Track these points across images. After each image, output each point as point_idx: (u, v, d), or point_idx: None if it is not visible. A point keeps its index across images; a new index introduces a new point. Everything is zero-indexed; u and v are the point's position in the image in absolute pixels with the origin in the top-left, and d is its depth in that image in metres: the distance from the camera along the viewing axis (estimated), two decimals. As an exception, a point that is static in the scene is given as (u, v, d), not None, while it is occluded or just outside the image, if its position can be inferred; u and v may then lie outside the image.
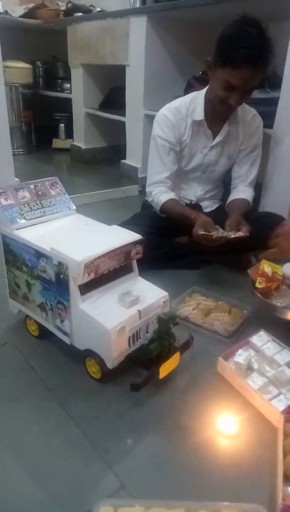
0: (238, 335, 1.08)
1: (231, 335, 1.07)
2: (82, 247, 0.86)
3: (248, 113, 1.39)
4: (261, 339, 1.00)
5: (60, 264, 0.85)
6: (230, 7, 1.63)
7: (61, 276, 0.87)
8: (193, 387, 0.92)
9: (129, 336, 0.87)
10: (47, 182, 1.08)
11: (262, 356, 0.97)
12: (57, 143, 3.33)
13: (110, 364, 0.86)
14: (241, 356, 0.96)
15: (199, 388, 0.91)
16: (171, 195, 1.41)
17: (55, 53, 3.36)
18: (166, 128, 1.36)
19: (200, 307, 1.17)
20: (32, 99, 3.18)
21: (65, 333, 0.93)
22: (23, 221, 0.98)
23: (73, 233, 0.99)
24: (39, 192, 1.05)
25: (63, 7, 3.04)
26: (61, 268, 0.86)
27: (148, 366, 0.88)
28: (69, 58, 2.76)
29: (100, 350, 0.87)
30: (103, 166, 2.89)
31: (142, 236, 0.93)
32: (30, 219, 1.00)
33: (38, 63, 3.40)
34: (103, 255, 0.85)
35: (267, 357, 0.96)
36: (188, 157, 1.43)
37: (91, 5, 2.93)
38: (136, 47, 2.14)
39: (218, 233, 1.21)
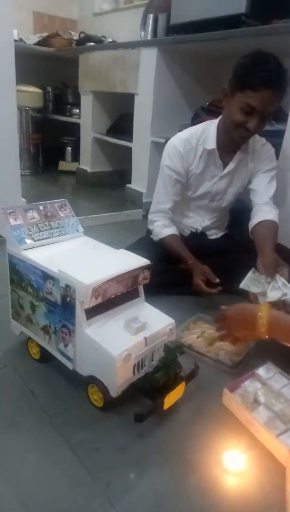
0: (244, 366, 1.05)
1: (236, 366, 1.04)
2: (91, 270, 0.85)
3: (258, 142, 1.42)
4: (268, 371, 0.98)
5: (67, 286, 0.84)
6: (238, 43, 1.70)
7: (68, 299, 0.85)
8: (198, 419, 0.89)
9: (135, 364, 0.85)
10: (56, 204, 1.09)
11: (269, 389, 0.94)
12: (63, 165, 3.38)
13: (114, 392, 0.84)
14: (247, 388, 0.93)
15: (204, 420, 0.88)
16: (172, 230, 1.43)
17: (65, 79, 3.46)
18: (175, 158, 1.38)
19: (204, 335, 1.15)
20: (41, 122, 3.24)
21: (68, 358, 0.90)
22: (31, 241, 0.98)
23: (81, 255, 0.98)
24: (48, 214, 1.05)
25: (76, 37, 3.15)
26: (68, 291, 0.84)
27: (153, 396, 0.85)
28: (79, 85, 2.83)
29: (104, 377, 0.85)
30: (108, 189, 2.91)
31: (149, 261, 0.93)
32: (38, 240, 0.99)
33: (49, 88, 3.49)
34: (112, 279, 0.84)
35: (274, 390, 0.93)
36: (195, 185, 1.44)
37: (103, 36, 3.05)
38: (145, 77, 2.20)
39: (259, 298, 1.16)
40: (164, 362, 0.85)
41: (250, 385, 0.94)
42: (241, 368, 1.05)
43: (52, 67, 3.46)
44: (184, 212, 1.51)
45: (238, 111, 1.23)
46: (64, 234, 1.05)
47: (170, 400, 0.85)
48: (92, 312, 0.87)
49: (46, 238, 1.01)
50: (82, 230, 1.10)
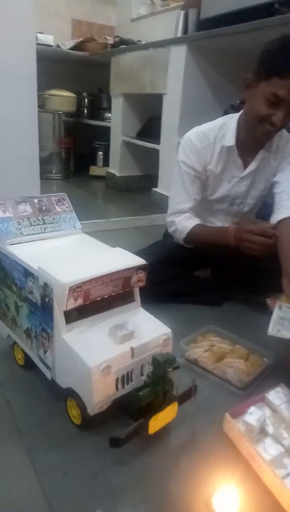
0: (254, 388, 0.91)
1: (245, 387, 0.90)
2: (73, 268, 0.76)
3: (284, 139, 1.26)
4: (280, 395, 0.83)
5: (45, 285, 0.75)
6: (271, 34, 1.56)
7: (46, 299, 0.76)
8: (190, 448, 0.75)
9: (117, 378, 0.74)
10: (53, 198, 1.01)
11: (280, 418, 0.79)
12: (94, 170, 3.36)
13: (91, 410, 0.73)
14: (254, 415, 0.79)
15: (198, 449, 0.75)
16: (198, 220, 1.28)
17: (101, 85, 3.46)
18: (191, 155, 1.24)
19: (213, 350, 1.01)
20: (73, 126, 3.25)
21: (47, 366, 0.81)
22: (20, 236, 0.90)
23: (71, 253, 0.89)
24: (43, 208, 0.97)
25: (110, 41, 3.14)
26: (46, 290, 0.75)
27: (137, 417, 0.73)
28: (110, 88, 2.80)
29: (81, 391, 0.74)
30: (135, 194, 2.84)
31: (149, 263, 0.82)
32: (28, 234, 0.91)
33: (84, 94, 3.51)
34: (95, 279, 0.74)
35: (285, 419, 0.78)
36: (213, 186, 1.29)
37: (139, 40, 3.01)
38: (174, 75, 2.11)
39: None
40: (152, 378, 0.73)
41: (257, 411, 0.79)
42: (251, 390, 0.90)
43: (88, 73, 3.47)
44: (203, 216, 1.38)
45: (263, 103, 1.08)
46: (59, 230, 0.97)
47: (157, 422, 0.73)
48: (73, 316, 0.77)
49: (38, 233, 0.93)
50: (80, 226, 1.01)
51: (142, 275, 0.83)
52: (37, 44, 2.86)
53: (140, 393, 0.71)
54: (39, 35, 2.92)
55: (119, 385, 0.75)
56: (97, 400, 0.72)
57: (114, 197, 2.83)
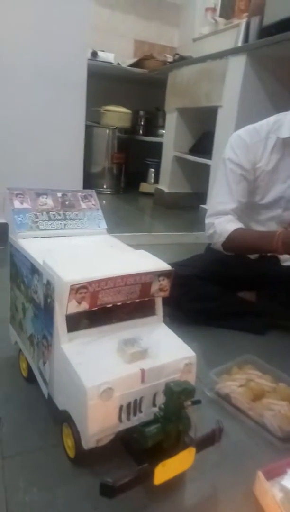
0: (300, 441, 0.71)
1: (287, 438, 0.71)
2: (82, 266, 0.64)
3: None
4: None
5: (48, 283, 0.64)
6: None
7: (48, 300, 0.64)
8: (208, 510, 0.58)
9: (121, 406, 0.59)
10: (80, 193, 0.91)
11: None
12: (144, 187, 3.30)
13: (85, 442, 0.59)
14: (297, 479, 0.60)
15: (218, 515, 0.58)
16: (240, 224, 1.12)
17: (158, 104, 3.45)
18: (239, 150, 1.11)
19: (250, 385, 0.83)
20: (126, 143, 3.24)
21: (44, 380, 0.68)
22: (35, 230, 0.80)
23: (88, 252, 0.77)
24: (66, 202, 0.88)
25: (170, 59, 3.12)
26: (48, 289, 0.64)
27: (141, 460, 0.58)
28: (166, 103, 2.75)
29: (76, 416, 0.60)
30: (183, 211, 2.71)
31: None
32: (44, 229, 0.82)
33: (141, 112, 3.51)
34: (105, 281, 0.61)
35: None
36: (264, 187, 1.14)
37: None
38: (231, 87, 2.00)
39: None
40: (164, 412, 0.58)
41: (301, 475, 0.60)
42: (295, 443, 0.71)
43: (146, 92, 3.48)
44: (249, 226, 1.21)
45: None
46: (81, 227, 0.86)
47: (166, 471, 0.57)
48: (78, 323, 0.65)
49: (56, 229, 0.83)
50: (105, 226, 0.90)
51: (165, 283, 0.69)
52: (98, 60, 2.93)
53: (146, 429, 0.56)
54: (100, 53, 2.98)
55: (124, 415, 0.60)
56: (92, 430, 0.57)
57: (161, 214, 2.73)
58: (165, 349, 0.66)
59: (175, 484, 0.59)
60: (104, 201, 2.95)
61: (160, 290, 0.69)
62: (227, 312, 1.13)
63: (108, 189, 3.23)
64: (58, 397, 0.66)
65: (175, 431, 0.57)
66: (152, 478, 0.56)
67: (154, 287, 0.68)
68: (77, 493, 0.58)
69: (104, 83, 3.24)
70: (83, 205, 0.90)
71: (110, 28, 3.39)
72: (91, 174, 3.05)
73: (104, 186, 3.21)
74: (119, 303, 0.65)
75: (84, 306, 0.61)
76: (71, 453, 0.63)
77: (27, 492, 0.58)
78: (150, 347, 0.63)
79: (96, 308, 0.63)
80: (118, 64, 3.19)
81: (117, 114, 3.08)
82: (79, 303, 0.60)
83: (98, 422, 0.57)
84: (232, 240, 1.11)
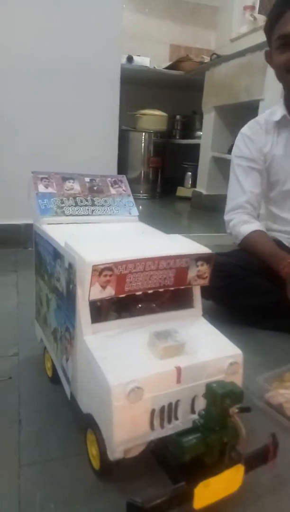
0: None
1: None
2: (108, 248, 0.56)
3: None
4: None
5: (70, 267, 0.56)
6: None
7: (70, 286, 0.57)
8: None
9: (153, 410, 0.50)
10: (109, 178, 0.84)
11: None
12: (181, 191, 3.21)
13: (111, 452, 0.49)
14: None
15: None
16: (254, 226, 1.08)
17: (195, 108, 3.38)
18: (242, 144, 1.13)
19: (307, 394, 0.71)
20: (163, 146, 3.18)
21: (67, 378, 0.60)
22: (61, 215, 0.74)
23: (116, 237, 0.69)
24: (94, 187, 0.81)
25: (207, 60, 3.04)
26: (70, 273, 0.56)
27: (177, 477, 0.48)
28: (203, 103, 2.67)
29: (101, 421, 0.52)
30: (221, 213, 2.58)
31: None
32: (70, 215, 0.75)
33: (178, 116, 3.45)
34: (133, 262, 0.53)
35: None
36: (282, 171, 1.09)
37: (236, 57, 2.86)
38: (274, 78, 1.88)
39: None
40: (205, 419, 0.47)
41: None
42: None
43: (182, 96, 3.42)
44: (269, 220, 1.16)
45: (277, 54, 1.00)
46: (110, 214, 0.79)
47: (209, 493, 0.46)
48: (103, 313, 0.57)
49: (83, 215, 0.76)
50: (137, 213, 0.82)
51: (204, 268, 0.59)
52: (134, 65, 2.91)
53: (183, 440, 0.46)
54: (136, 57, 2.96)
55: (156, 422, 0.50)
56: (119, 438, 0.48)
57: (199, 216, 2.63)
58: (206, 346, 0.56)
59: (219, 510, 0.48)
60: (140, 206, 2.89)
61: (198, 277, 0.60)
62: (277, 311, 1.00)
63: (145, 194, 3.17)
64: (82, 399, 0.57)
65: (219, 443, 0.47)
66: (190, 501, 0.45)
67: (191, 273, 0.59)
68: (101, 510, 0.49)
69: (140, 89, 3.22)
70: (113, 191, 0.82)
71: (145, 34, 3.38)
72: (127, 179, 3.01)
73: (140, 191, 3.16)
74: (150, 291, 0.57)
75: (110, 291, 0.53)
76: (96, 464, 0.54)
77: (43, 508, 0.49)
78: (187, 342, 0.54)
79: (123, 296, 0.55)
80: (154, 68, 3.16)
81: (153, 117, 3.03)
82: (103, 287, 0.52)
83: (125, 428, 0.48)
84: (245, 245, 1.10)
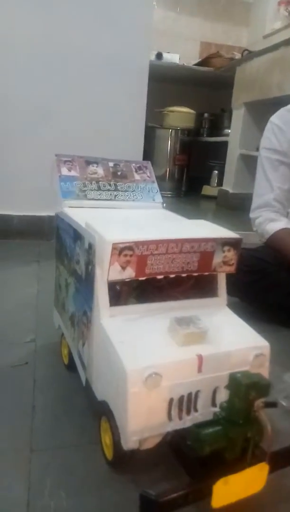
0: None
1: None
2: (129, 228, 0.53)
3: None
4: None
5: (89, 247, 0.54)
6: None
7: (89, 267, 0.54)
8: None
9: (171, 399, 0.47)
10: (133, 164, 0.81)
11: None
12: (207, 190, 3.16)
13: (125, 441, 0.47)
14: None
15: None
16: (281, 224, 1.03)
17: (224, 106, 3.32)
18: (271, 135, 1.05)
19: None
20: (189, 144, 3.13)
21: (83, 364, 0.58)
22: (83, 199, 0.72)
23: (139, 220, 0.66)
24: (118, 173, 0.79)
25: (238, 57, 2.98)
26: (90, 254, 0.54)
27: (194, 472, 0.45)
28: (233, 99, 2.61)
29: (116, 408, 0.49)
30: (249, 212, 2.52)
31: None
32: (93, 199, 0.73)
33: (206, 114, 3.40)
34: (155, 243, 0.50)
35: None
36: None
37: (269, 53, 2.79)
38: (307, 72, 1.81)
39: None
40: (227, 411, 0.44)
41: None
42: None
43: (212, 94, 3.37)
44: None
45: None
46: (133, 200, 0.76)
47: (229, 491, 0.43)
48: (123, 297, 0.54)
49: (105, 200, 0.74)
50: (161, 200, 0.79)
51: (231, 254, 0.56)
52: (163, 61, 2.89)
53: (203, 432, 0.43)
54: (165, 54, 2.94)
55: (174, 412, 0.47)
56: (133, 426, 0.45)
57: (225, 215, 2.57)
58: (230, 335, 0.53)
59: (241, 507, 0.44)
60: (164, 204, 2.87)
61: (224, 263, 0.56)
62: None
63: (169, 192, 3.13)
64: (97, 385, 0.55)
65: (241, 438, 0.44)
66: (208, 498, 0.42)
67: (217, 259, 0.55)
68: (112, 504, 0.47)
69: (168, 86, 3.19)
70: (137, 177, 0.80)
71: (176, 31, 3.35)
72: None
73: (165, 189, 3.12)
74: (172, 275, 0.54)
75: (130, 273, 0.50)
76: (109, 454, 0.51)
77: (53, 496, 0.47)
78: (210, 330, 0.50)
79: (144, 279, 0.52)
80: (183, 65, 3.13)
81: (181, 115, 3.00)
82: (123, 268, 0.49)
83: (141, 417, 0.45)
84: (271, 244, 1.04)
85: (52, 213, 0.76)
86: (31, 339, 0.83)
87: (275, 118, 1.09)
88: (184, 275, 0.54)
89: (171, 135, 3.03)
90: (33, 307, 0.98)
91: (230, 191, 2.64)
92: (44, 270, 1.23)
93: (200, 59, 3.13)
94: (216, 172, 3.11)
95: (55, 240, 0.76)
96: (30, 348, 0.80)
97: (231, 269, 0.57)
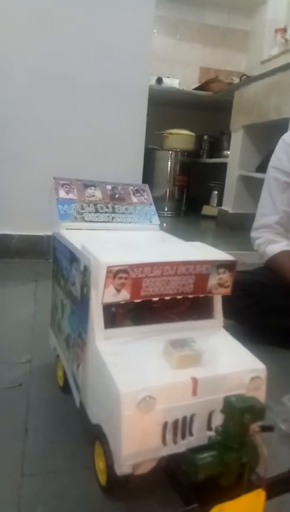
0: None
1: None
2: (125, 251, 0.54)
3: None
4: None
5: (85, 269, 0.54)
6: None
7: (84, 289, 0.55)
8: None
9: (166, 422, 0.46)
10: (131, 187, 0.83)
11: None
12: (207, 210, 3.19)
13: (118, 466, 0.46)
14: None
15: None
16: (281, 246, 1.02)
17: (223, 128, 3.39)
18: (282, 154, 1.03)
19: None
20: (189, 166, 3.18)
21: (77, 386, 0.58)
22: (80, 221, 0.73)
23: (135, 243, 0.67)
24: (116, 195, 0.80)
25: (236, 81, 3.06)
26: (85, 276, 0.54)
27: (189, 498, 0.44)
28: (231, 123, 2.67)
29: (109, 432, 0.48)
30: (248, 232, 2.53)
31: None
32: (90, 221, 0.74)
33: (205, 136, 3.47)
34: (150, 266, 0.50)
35: None
36: None
37: (266, 78, 2.86)
38: (304, 96, 1.86)
39: None
40: (222, 435, 0.43)
41: None
42: None
43: (211, 117, 3.44)
44: None
45: None
46: (130, 222, 0.77)
47: (224, 518, 0.42)
48: (118, 319, 0.54)
49: (103, 222, 0.75)
50: (158, 222, 0.80)
51: (226, 276, 0.56)
52: (163, 86, 2.97)
53: (197, 457, 0.42)
54: (165, 79, 3.02)
55: (168, 436, 0.47)
56: (127, 450, 0.45)
57: (224, 235, 2.59)
58: (226, 358, 0.52)
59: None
60: (164, 224, 2.89)
61: (219, 285, 0.57)
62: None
63: (169, 212, 3.16)
64: (91, 408, 0.54)
65: (237, 463, 0.43)
66: (203, 526, 0.41)
67: (212, 281, 0.56)
68: (106, 534, 0.46)
69: (168, 110, 3.27)
70: (135, 199, 0.81)
71: (176, 57, 3.45)
72: (153, 197, 3.02)
73: (165, 209, 3.16)
74: (168, 298, 0.54)
75: (125, 295, 0.50)
76: (102, 479, 0.50)
77: (44, 524, 0.46)
78: (205, 353, 0.50)
79: (139, 302, 0.52)
80: (183, 89, 3.21)
81: (180, 137, 3.06)
82: (118, 290, 0.50)
83: (134, 441, 0.45)
84: (271, 266, 1.04)
85: (50, 233, 0.77)
86: (26, 360, 0.82)
87: (288, 137, 1.06)
88: (179, 297, 0.55)
89: (171, 156, 3.08)
90: (29, 327, 0.98)
91: (230, 211, 2.67)
92: (41, 289, 1.23)
93: (199, 84, 3.21)
94: (216, 192, 3.15)
95: (52, 261, 0.76)
96: (25, 369, 0.79)
97: (227, 291, 0.57)
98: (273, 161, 1.07)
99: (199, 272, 0.54)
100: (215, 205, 3.15)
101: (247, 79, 2.51)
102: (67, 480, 0.52)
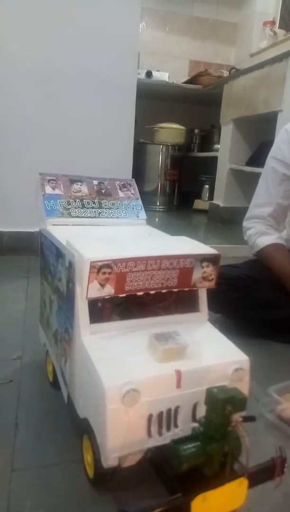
0: None
1: None
2: (109, 246, 0.54)
3: None
4: None
5: (70, 265, 0.55)
6: None
7: (70, 285, 0.55)
8: None
9: (151, 415, 0.47)
10: (117, 182, 0.83)
11: None
12: (199, 204, 3.19)
13: (105, 459, 0.47)
14: None
15: None
16: (271, 239, 1.02)
17: (214, 122, 3.38)
18: (283, 145, 1.00)
19: None
20: (180, 160, 3.18)
21: (65, 381, 0.58)
22: (67, 217, 0.73)
23: (121, 237, 0.67)
24: (102, 191, 0.80)
25: (226, 75, 3.06)
26: (70, 272, 0.55)
27: (173, 488, 0.45)
28: (221, 116, 2.67)
29: (96, 425, 0.49)
30: (239, 226, 2.54)
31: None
32: (76, 216, 0.74)
33: (196, 130, 3.46)
34: (134, 261, 0.51)
35: None
36: None
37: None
38: (292, 89, 1.87)
39: None
40: (205, 426, 0.44)
41: None
42: None
43: (201, 111, 3.43)
44: None
45: None
46: (117, 217, 0.78)
47: (207, 507, 0.43)
48: (104, 314, 0.55)
49: (90, 217, 0.75)
50: (145, 217, 0.80)
51: (210, 270, 0.57)
52: (153, 79, 2.95)
53: (181, 448, 0.43)
54: (155, 72, 3.00)
55: (154, 428, 0.47)
56: (113, 444, 0.46)
57: (215, 228, 2.60)
58: (209, 350, 0.53)
59: (220, 526, 0.44)
60: (156, 218, 2.89)
61: (203, 279, 0.57)
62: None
63: (161, 206, 3.16)
64: (79, 402, 0.55)
65: (219, 453, 0.44)
66: (187, 514, 0.42)
67: (196, 275, 0.56)
68: (93, 525, 0.46)
69: (158, 103, 3.26)
70: (121, 194, 0.82)
71: (165, 50, 3.43)
72: (144, 192, 3.01)
73: (157, 203, 3.16)
74: (152, 292, 0.55)
75: (109, 290, 0.51)
76: (90, 472, 0.51)
77: (32, 516, 0.47)
78: (190, 346, 0.51)
79: (124, 297, 0.53)
80: (173, 83, 3.19)
81: (171, 131, 3.05)
82: (102, 285, 0.50)
83: (120, 434, 0.45)
84: (260, 258, 1.05)
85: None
86: (17, 356, 0.83)
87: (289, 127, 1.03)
88: (164, 291, 0.55)
89: (162, 150, 3.07)
90: (20, 323, 0.98)
91: (221, 205, 2.67)
92: (33, 286, 1.24)
93: (189, 77, 3.20)
94: (207, 186, 3.15)
95: (40, 257, 0.76)
96: (16, 365, 0.80)
97: (211, 284, 0.58)
98: (274, 151, 1.04)
99: (183, 266, 0.55)
100: (206, 199, 3.15)
101: (236, 72, 2.51)
102: (56, 474, 0.53)
